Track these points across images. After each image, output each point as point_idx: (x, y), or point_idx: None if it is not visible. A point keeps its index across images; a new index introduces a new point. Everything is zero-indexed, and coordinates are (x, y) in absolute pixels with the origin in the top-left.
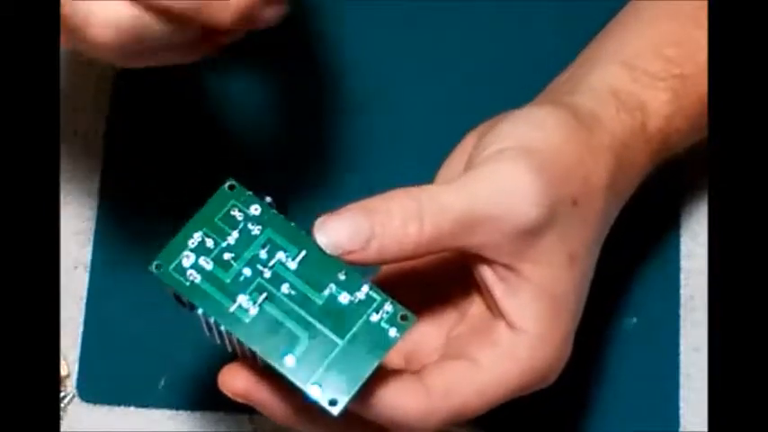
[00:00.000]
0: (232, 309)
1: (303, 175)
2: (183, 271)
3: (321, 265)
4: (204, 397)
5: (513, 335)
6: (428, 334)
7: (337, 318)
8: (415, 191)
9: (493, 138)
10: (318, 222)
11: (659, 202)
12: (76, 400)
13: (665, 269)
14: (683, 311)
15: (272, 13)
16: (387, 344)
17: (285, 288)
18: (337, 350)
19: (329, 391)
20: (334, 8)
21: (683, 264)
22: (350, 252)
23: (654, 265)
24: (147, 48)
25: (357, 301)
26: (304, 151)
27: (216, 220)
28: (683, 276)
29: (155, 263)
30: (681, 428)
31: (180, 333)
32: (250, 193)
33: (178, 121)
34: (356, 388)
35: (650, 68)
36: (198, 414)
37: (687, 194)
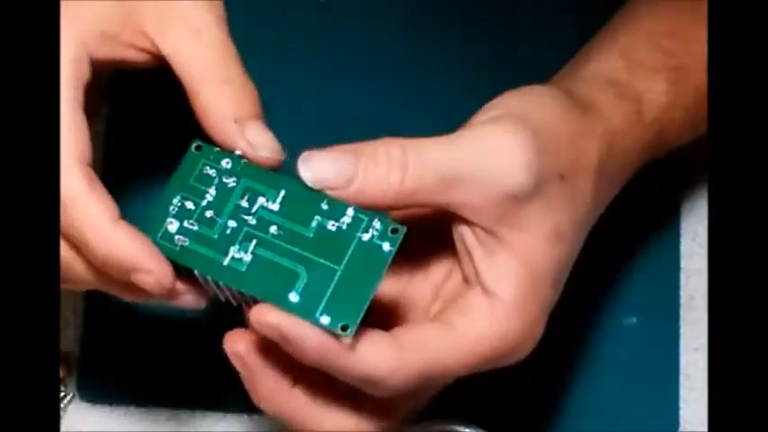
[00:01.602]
0: (226, 262)
1: None
2: (170, 238)
3: (302, 201)
4: (204, 397)
5: (489, 301)
6: (416, 288)
7: (330, 246)
8: (404, 141)
9: (489, 106)
10: (304, 156)
11: (659, 202)
12: (76, 400)
13: (665, 269)
14: (683, 311)
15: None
16: (384, 259)
17: (273, 230)
18: (337, 276)
19: (339, 317)
20: (333, 9)
21: (683, 264)
22: (331, 188)
23: (654, 265)
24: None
25: (345, 225)
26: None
27: (191, 182)
28: (683, 276)
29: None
30: (681, 428)
31: (180, 333)
32: (218, 149)
33: (178, 123)
34: (363, 309)
35: (647, 60)
36: (198, 414)
37: (687, 194)
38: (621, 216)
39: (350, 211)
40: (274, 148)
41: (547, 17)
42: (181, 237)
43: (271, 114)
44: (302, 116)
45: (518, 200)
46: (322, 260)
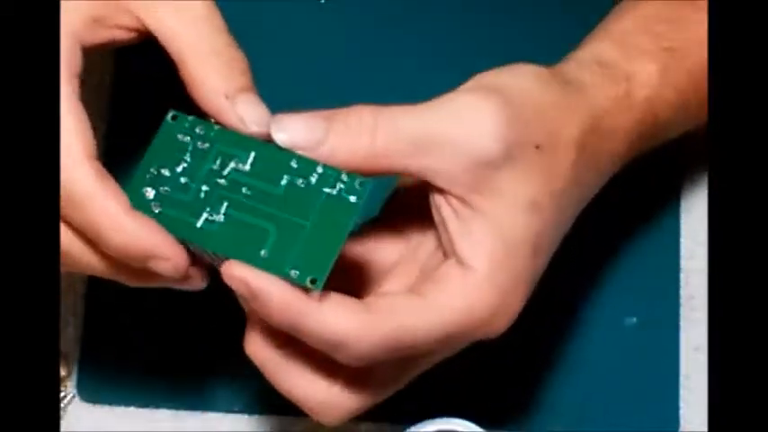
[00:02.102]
0: (199, 224)
1: None
2: (147, 205)
3: (273, 161)
4: (205, 397)
5: (462, 272)
6: (404, 266)
7: (299, 202)
8: (376, 107)
9: (470, 79)
10: (277, 118)
11: (659, 201)
12: (76, 400)
13: (665, 269)
14: (683, 311)
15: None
16: (351, 211)
17: (244, 190)
18: (306, 231)
19: (307, 270)
20: (333, 9)
21: (683, 264)
22: (302, 150)
23: (654, 265)
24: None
25: (314, 181)
26: None
27: (166, 150)
28: (683, 276)
29: None
30: (681, 428)
31: (180, 333)
32: (192, 117)
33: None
34: (332, 261)
35: (639, 42)
36: (198, 414)
37: (687, 194)
38: (621, 216)
39: (319, 169)
40: (264, 121)
41: (546, 17)
42: (156, 204)
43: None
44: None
45: (489, 166)
46: (290, 216)
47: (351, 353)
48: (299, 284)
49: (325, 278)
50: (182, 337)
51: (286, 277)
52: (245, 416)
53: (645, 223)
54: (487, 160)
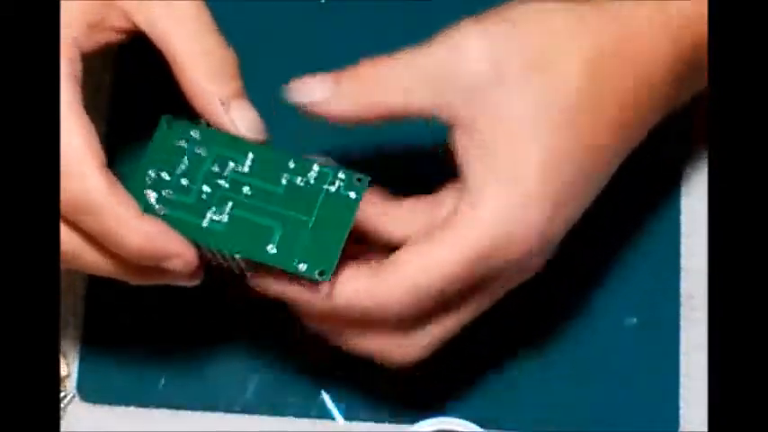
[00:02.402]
0: (205, 224)
1: None
2: (151, 208)
3: (270, 162)
4: (205, 397)
5: (472, 200)
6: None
7: (300, 200)
8: (378, 58)
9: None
10: (292, 85)
11: (659, 200)
12: (76, 400)
13: (665, 269)
14: (683, 311)
15: (177, 264)
16: (352, 206)
17: (245, 190)
18: (310, 227)
19: (315, 263)
20: (333, 9)
21: (683, 263)
22: (316, 104)
23: (654, 264)
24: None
25: (312, 180)
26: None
27: (164, 154)
28: (683, 276)
29: None
30: (681, 428)
31: (180, 333)
32: (186, 121)
33: None
34: (338, 253)
35: None
36: (198, 414)
37: (687, 194)
38: (622, 215)
39: (315, 167)
40: (258, 127)
41: None
42: (160, 206)
43: (271, 114)
44: (302, 115)
45: (482, 87)
46: (294, 213)
47: (384, 316)
48: (307, 277)
49: (332, 269)
50: (182, 337)
51: (294, 271)
52: (245, 416)
53: (645, 223)
54: (478, 81)
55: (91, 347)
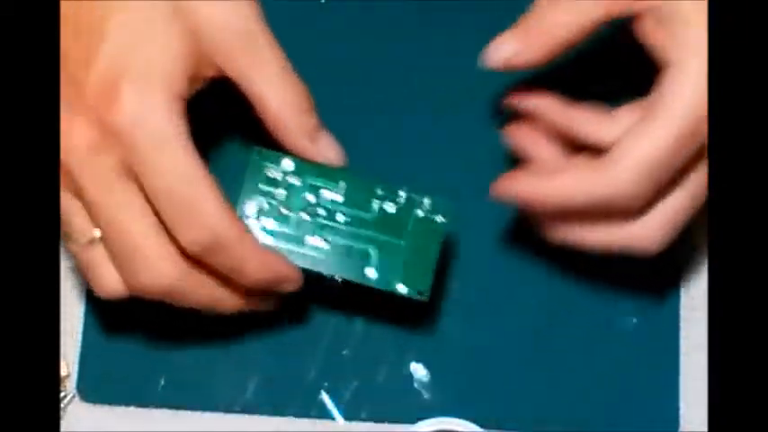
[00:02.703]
0: (305, 250)
1: None
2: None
3: (360, 188)
4: (204, 397)
5: (673, 77)
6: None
7: (392, 225)
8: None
9: None
10: (489, 49)
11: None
12: (76, 400)
13: (665, 269)
14: (683, 311)
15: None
16: (441, 230)
17: (340, 217)
18: (403, 250)
19: (413, 284)
20: (333, 9)
21: (683, 264)
22: (508, 61)
23: (654, 265)
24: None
25: (401, 205)
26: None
27: (260, 185)
28: (683, 276)
29: None
30: (681, 428)
31: (180, 333)
32: (276, 152)
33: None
34: (432, 274)
35: None
36: (198, 414)
37: None
38: None
39: (402, 193)
40: (341, 155)
41: None
42: (262, 234)
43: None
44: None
45: None
46: (388, 238)
47: (621, 201)
48: (409, 297)
49: (429, 289)
50: (181, 336)
51: (395, 292)
52: (245, 416)
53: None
54: None
55: (91, 347)
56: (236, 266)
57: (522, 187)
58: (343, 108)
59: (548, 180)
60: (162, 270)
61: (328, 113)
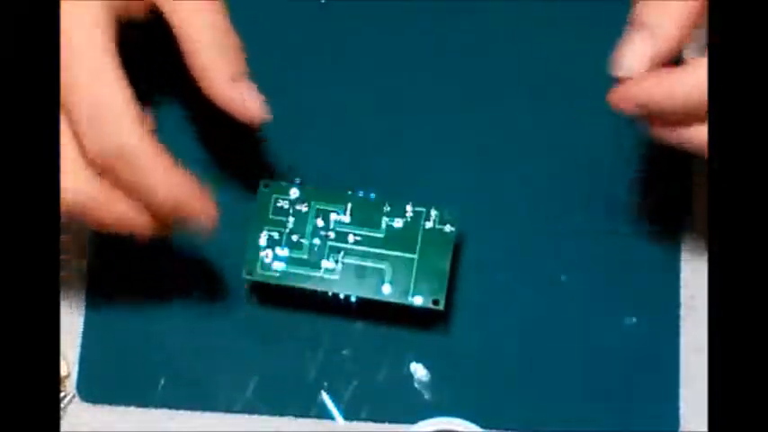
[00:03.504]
0: (321, 274)
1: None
2: (268, 267)
3: (367, 208)
4: (204, 397)
5: None
6: None
7: (401, 240)
8: None
9: None
10: (617, 60)
11: (660, 200)
12: (76, 400)
13: (665, 269)
14: (683, 311)
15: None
16: (449, 239)
17: (351, 238)
18: (416, 263)
19: (428, 295)
20: (333, 9)
21: (683, 264)
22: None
23: (654, 265)
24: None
25: (408, 220)
26: (311, 152)
27: (269, 216)
28: (683, 276)
29: (244, 271)
30: (681, 428)
31: (180, 333)
32: (283, 183)
33: (181, 125)
34: (446, 283)
35: None
36: (198, 414)
37: (688, 193)
38: (621, 215)
39: (408, 207)
40: (262, 106)
41: (548, 19)
42: (277, 263)
43: (271, 114)
44: (302, 115)
45: None
46: (399, 253)
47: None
48: (425, 308)
49: (444, 297)
50: (181, 336)
51: (411, 305)
52: (245, 416)
53: (645, 223)
54: None
55: (91, 347)
56: (143, 181)
57: (644, 86)
58: (343, 108)
59: (666, 77)
60: (68, 184)
61: (328, 113)
